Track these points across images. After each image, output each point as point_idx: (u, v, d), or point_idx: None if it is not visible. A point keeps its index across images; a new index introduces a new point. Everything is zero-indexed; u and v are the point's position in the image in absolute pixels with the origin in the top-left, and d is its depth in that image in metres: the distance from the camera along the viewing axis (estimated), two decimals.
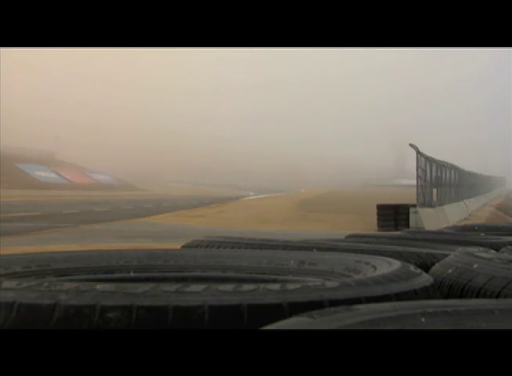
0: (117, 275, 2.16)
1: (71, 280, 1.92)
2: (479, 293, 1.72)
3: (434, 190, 19.13)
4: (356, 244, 2.94)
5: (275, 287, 1.40)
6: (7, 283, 1.39)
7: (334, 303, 1.35)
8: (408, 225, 14.92)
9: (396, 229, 13.68)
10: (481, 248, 2.73)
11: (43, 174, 70.41)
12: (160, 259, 2.29)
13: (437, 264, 2.05)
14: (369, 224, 16.49)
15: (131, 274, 2.18)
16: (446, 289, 1.82)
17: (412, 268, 1.76)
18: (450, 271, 1.87)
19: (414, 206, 16.12)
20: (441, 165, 21.37)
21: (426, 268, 2.03)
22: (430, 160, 18.75)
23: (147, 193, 64.78)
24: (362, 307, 1.21)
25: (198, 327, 1.25)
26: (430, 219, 15.57)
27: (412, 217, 15.58)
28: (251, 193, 65.38)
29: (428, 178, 18.28)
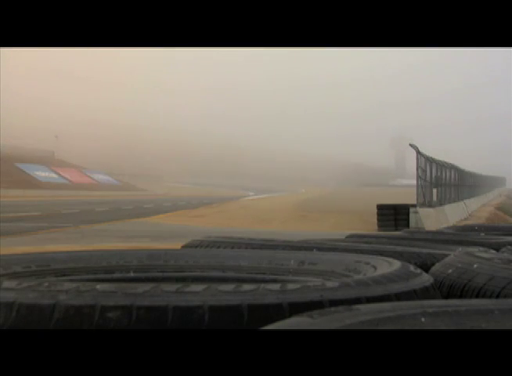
0: (117, 275, 2.16)
1: (71, 280, 1.92)
2: (479, 293, 1.72)
3: (434, 190, 19.12)
4: (356, 244, 2.94)
5: (275, 287, 1.40)
6: (7, 283, 1.39)
7: (334, 303, 1.35)
8: (408, 225, 14.92)
9: (396, 229, 13.68)
10: (481, 248, 2.73)
11: (43, 174, 70.40)
12: (160, 259, 2.28)
13: (437, 264, 2.05)
14: (369, 224, 16.49)
15: (131, 274, 2.18)
16: (446, 289, 1.82)
17: (412, 268, 1.76)
18: (450, 271, 1.87)
19: (414, 206, 16.12)
20: (441, 165, 21.37)
21: (426, 268, 2.02)
22: (430, 160, 18.75)
23: (147, 193, 64.81)
24: (362, 307, 1.20)
25: (198, 327, 1.25)
26: (430, 219, 15.56)
27: (412, 217, 15.59)
28: (251, 193, 65.37)
29: (428, 178, 18.28)
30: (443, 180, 21.59)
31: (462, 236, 4.14)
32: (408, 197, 19.74)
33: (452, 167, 24.52)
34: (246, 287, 1.39)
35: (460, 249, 2.34)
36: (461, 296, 1.75)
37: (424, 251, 2.62)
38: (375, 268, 1.86)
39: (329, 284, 1.46)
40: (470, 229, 5.39)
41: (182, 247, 2.88)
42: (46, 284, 1.38)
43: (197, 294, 1.32)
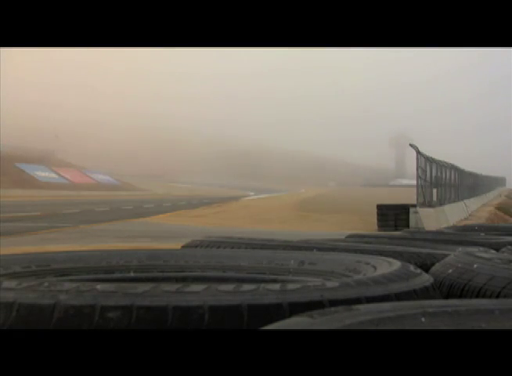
0: (117, 275, 2.16)
1: (71, 280, 1.92)
2: (479, 293, 1.72)
3: (434, 190, 19.12)
4: (356, 244, 2.94)
5: (275, 287, 1.40)
6: (7, 283, 1.39)
7: (334, 303, 1.34)
8: (408, 225, 14.92)
9: (396, 229, 13.68)
10: (481, 248, 2.73)
11: (43, 174, 70.39)
12: (160, 259, 2.28)
13: (437, 264, 2.05)
14: (369, 224, 16.49)
15: (131, 274, 2.18)
16: (446, 289, 1.82)
17: (412, 268, 1.76)
18: (450, 271, 1.87)
19: (414, 206, 16.13)
20: (441, 165, 21.37)
21: (426, 268, 2.03)
22: (430, 160, 18.75)
23: (147, 193, 64.77)
24: (362, 307, 1.20)
25: (198, 327, 1.25)
26: (430, 219, 15.56)
27: (412, 217, 15.59)
28: (251, 193, 65.35)
29: (428, 178, 18.28)
30: (443, 180, 21.59)
31: (462, 236, 4.14)
32: (408, 196, 19.75)
33: (452, 167, 24.52)
34: (246, 287, 1.39)
35: (460, 249, 2.34)
36: (461, 296, 1.75)
37: (424, 251, 2.62)
38: (375, 268, 1.86)
39: (329, 284, 1.46)
40: (470, 229, 5.39)
41: (182, 247, 2.88)
42: (46, 284, 1.38)
43: (197, 294, 1.32)
